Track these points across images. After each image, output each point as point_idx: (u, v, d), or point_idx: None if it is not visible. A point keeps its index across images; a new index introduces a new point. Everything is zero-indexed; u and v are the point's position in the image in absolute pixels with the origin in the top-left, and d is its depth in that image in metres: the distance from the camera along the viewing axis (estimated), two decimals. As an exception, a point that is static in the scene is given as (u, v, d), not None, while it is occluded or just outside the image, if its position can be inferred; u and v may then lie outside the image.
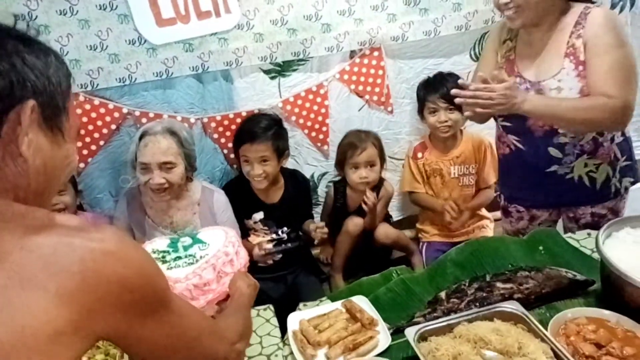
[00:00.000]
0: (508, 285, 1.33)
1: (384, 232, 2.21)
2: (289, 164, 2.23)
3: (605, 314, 1.22)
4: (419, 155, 2.32)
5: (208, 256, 1.25)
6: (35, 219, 0.63)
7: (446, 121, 2.17)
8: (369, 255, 2.20)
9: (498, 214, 2.49)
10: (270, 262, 1.89)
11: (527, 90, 1.57)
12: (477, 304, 1.29)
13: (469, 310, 1.25)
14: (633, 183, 1.73)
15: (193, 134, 1.95)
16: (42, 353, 0.55)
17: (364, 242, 2.21)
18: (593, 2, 1.56)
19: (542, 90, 1.55)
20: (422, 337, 1.18)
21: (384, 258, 2.28)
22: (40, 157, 0.68)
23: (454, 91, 1.48)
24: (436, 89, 2.17)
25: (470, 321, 1.20)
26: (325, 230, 1.96)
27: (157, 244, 1.34)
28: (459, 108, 2.08)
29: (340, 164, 2.22)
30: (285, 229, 2.10)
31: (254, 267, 2.07)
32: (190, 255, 1.27)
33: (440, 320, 1.23)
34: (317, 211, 2.40)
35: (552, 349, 1.10)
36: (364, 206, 2.10)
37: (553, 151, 1.62)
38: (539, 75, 1.57)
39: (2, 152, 0.64)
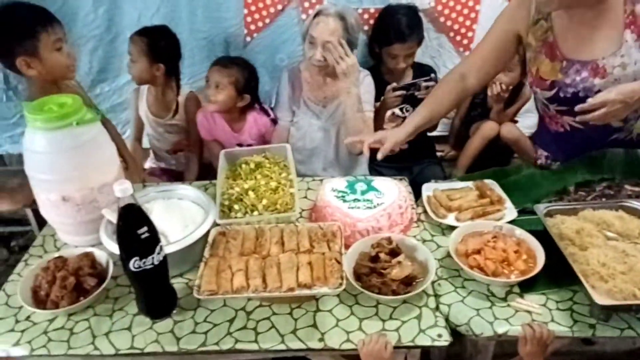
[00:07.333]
0: (637, 188, 1.43)
1: (508, 129, 2.30)
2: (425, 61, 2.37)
3: None
4: None
5: (384, 204, 1.43)
6: None
7: None
8: (491, 158, 2.33)
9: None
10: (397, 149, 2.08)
11: (579, 72, 1.43)
12: (604, 200, 1.42)
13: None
14: None
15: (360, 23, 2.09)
16: None
17: (490, 144, 2.33)
18: None
19: (602, 69, 1.39)
20: (549, 214, 1.35)
21: (505, 162, 2.40)
22: None
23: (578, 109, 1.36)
24: None
25: (595, 209, 1.35)
26: None
27: (335, 183, 1.54)
28: None
29: None
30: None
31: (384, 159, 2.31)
32: (367, 200, 1.46)
33: (567, 203, 1.39)
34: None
35: (671, 242, 1.23)
36: (489, 93, 2.22)
37: (615, 123, 1.48)
38: (594, 53, 1.40)
39: None
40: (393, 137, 1.57)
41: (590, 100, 1.33)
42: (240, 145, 2.17)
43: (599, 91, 1.36)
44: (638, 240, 1.23)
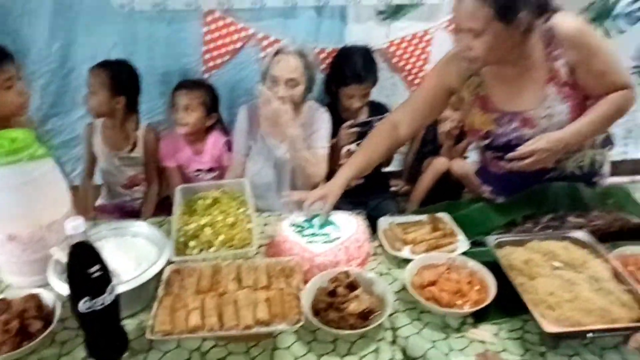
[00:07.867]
0: (579, 220, 1.51)
1: (458, 165, 2.42)
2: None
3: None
4: None
5: (342, 238, 1.45)
6: None
7: None
8: (443, 192, 2.40)
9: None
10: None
11: (510, 122, 1.53)
12: (550, 231, 1.49)
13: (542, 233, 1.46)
14: (610, 149, 1.76)
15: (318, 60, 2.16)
16: None
17: (442, 179, 2.41)
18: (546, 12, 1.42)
19: (531, 119, 1.50)
20: (499, 245, 1.40)
21: (456, 195, 2.48)
22: None
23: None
24: None
25: (541, 240, 1.41)
26: None
27: (293, 218, 1.56)
28: None
29: None
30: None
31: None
32: (325, 234, 1.47)
33: (515, 235, 1.44)
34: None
35: (612, 270, 1.29)
36: (440, 130, 2.32)
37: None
38: (523, 105, 1.51)
39: None
40: (332, 194, 1.59)
41: (520, 149, 1.42)
42: (199, 170, 2.20)
43: (529, 139, 1.45)
44: (582, 269, 1.28)
